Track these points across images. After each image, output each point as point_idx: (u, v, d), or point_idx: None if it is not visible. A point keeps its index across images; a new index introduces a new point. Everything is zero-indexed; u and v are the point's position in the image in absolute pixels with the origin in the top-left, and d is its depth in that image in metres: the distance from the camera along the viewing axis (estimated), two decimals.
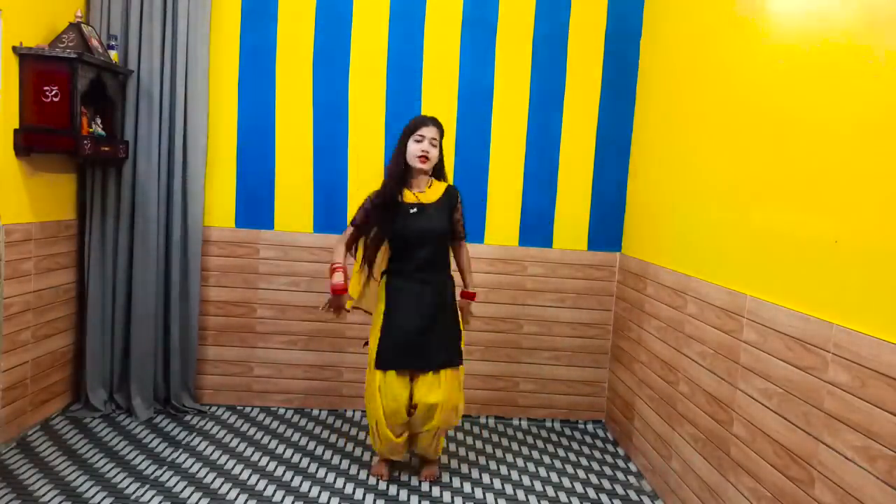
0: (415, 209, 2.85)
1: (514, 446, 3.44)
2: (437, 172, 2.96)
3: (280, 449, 3.22)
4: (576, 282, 3.73)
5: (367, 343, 2.96)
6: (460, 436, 3.53)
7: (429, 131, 2.85)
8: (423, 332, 2.80)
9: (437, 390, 2.79)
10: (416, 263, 2.85)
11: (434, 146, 2.87)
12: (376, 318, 2.90)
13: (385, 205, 2.84)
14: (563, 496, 2.93)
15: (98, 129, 3.24)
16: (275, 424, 3.51)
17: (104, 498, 2.62)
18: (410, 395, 2.82)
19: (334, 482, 2.92)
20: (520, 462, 3.25)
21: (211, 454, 3.10)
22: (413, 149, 2.84)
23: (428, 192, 2.91)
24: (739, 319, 2.31)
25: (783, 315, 2.05)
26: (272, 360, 3.69)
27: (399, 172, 2.87)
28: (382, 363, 2.81)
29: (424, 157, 2.83)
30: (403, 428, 2.87)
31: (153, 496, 2.66)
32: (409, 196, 2.88)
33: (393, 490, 2.89)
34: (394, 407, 2.80)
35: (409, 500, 2.82)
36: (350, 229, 2.90)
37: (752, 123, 2.34)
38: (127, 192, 3.40)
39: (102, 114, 3.30)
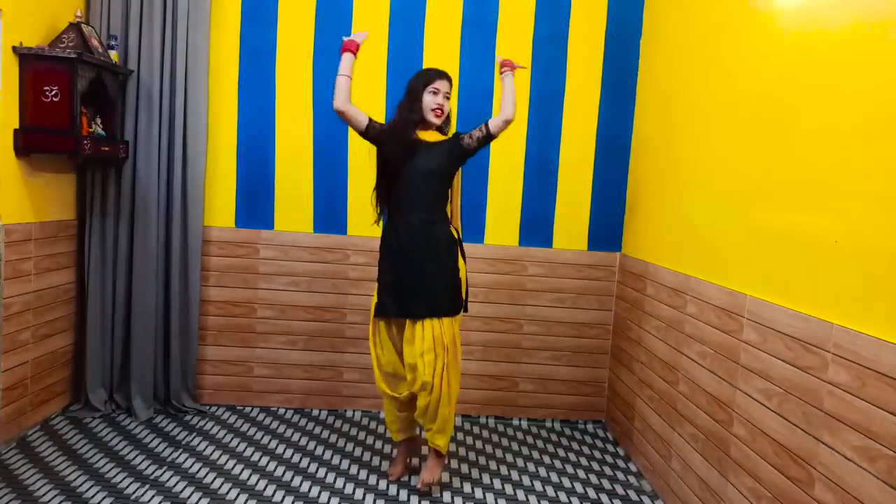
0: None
1: (514, 446, 3.44)
2: (444, 127, 2.90)
3: (280, 449, 3.22)
4: (576, 282, 3.73)
5: None
6: (460, 436, 3.53)
7: (443, 85, 2.80)
8: (406, 280, 2.74)
9: (416, 340, 2.74)
10: (407, 203, 2.78)
11: (447, 99, 2.82)
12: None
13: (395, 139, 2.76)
14: (563, 496, 2.93)
15: (98, 129, 3.24)
16: (275, 424, 3.51)
17: (104, 498, 2.62)
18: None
19: (334, 482, 2.92)
20: (520, 462, 3.25)
21: (211, 454, 3.10)
22: (428, 101, 2.78)
23: (432, 133, 2.85)
24: (739, 319, 2.31)
25: (783, 315, 2.05)
26: (272, 360, 3.69)
27: (413, 120, 2.78)
28: (375, 311, 2.82)
29: (440, 111, 2.79)
30: (404, 385, 2.83)
31: (153, 496, 2.66)
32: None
33: (393, 490, 2.89)
34: (388, 358, 2.83)
35: (408, 500, 2.82)
36: (366, 118, 2.80)
37: (751, 123, 2.34)
38: (127, 192, 3.40)
39: (102, 114, 3.30)
